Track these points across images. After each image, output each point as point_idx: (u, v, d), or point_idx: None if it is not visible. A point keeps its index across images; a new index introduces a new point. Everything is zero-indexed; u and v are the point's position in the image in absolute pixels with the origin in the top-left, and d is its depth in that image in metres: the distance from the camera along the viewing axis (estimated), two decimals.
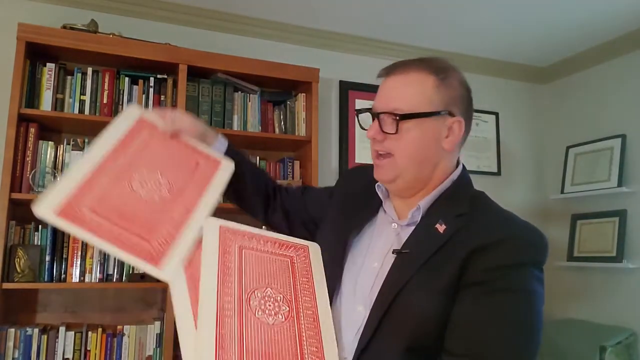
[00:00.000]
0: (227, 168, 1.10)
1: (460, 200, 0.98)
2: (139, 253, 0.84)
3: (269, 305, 0.88)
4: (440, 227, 0.94)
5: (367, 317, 0.93)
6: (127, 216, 0.88)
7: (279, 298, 0.90)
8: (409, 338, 0.89)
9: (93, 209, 0.86)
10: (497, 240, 0.88)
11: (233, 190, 1.19)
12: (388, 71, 1.01)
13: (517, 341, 0.83)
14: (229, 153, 1.18)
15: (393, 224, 1.03)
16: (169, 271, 0.85)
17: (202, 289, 0.84)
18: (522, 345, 0.83)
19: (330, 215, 1.15)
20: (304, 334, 0.87)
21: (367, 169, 1.10)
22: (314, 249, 1.04)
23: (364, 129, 1.03)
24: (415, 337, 0.89)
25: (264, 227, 1.24)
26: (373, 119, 0.99)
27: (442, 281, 0.88)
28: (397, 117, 0.95)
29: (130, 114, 1.05)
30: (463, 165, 1.06)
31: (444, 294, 0.88)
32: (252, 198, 1.25)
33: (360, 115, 1.08)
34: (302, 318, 0.89)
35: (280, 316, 0.87)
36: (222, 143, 1.19)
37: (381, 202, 1.07)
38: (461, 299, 0.87)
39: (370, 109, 1.02)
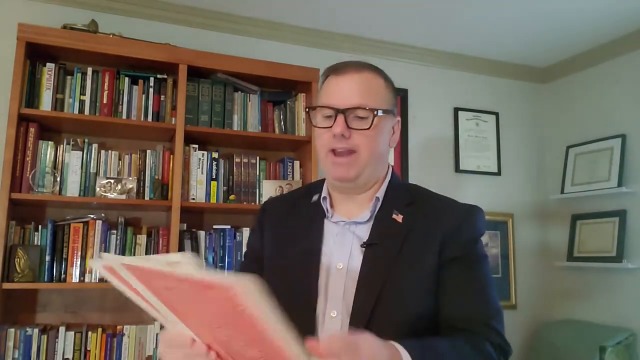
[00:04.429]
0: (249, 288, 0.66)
1: (401, 192, 1.06)
2: None
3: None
4: (398, 217, 1.01)
5: (347, 321, 0.92)
6: None
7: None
8: (408, 328, 0.91)
9: None
10: (460, 221, 1.00)
11: None
12: (339, 70, 1.01)
13: (493, 294, 0.99)
14: None
15: (347, 225, 1.04)
16: None
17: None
18: (495, 295, 1.00)
19: (276, 247, 1.09)
20: None
21: (284, 197, 1.22)
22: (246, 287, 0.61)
23: (318, 127, 1.01)
24: (415, 324, 0.92)
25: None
26: (336, 116, 0.97)
27: (424, 265, 0.95)
28: (376, 113, 0.98)
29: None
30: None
31: (429, 273, 0.95)
32: None
33: (310, 113, 1.07)
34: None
35: None
36: None
37: (324, 215, 1.06)
38: (447, 273, 0.96)
39: (321, 106, 1.01)
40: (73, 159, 2.26)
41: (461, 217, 1.01)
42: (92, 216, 2.29)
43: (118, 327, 2.24)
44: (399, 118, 1.07)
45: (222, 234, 2.47)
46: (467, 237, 0.99)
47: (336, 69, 1.02)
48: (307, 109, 1.07)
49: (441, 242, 0.97)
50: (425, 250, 0.96)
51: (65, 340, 2.14)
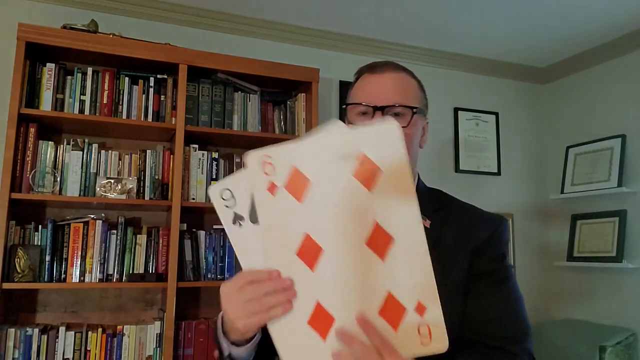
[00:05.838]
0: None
1: (428, 196, 1.03)
2: None
3: None
4: (425, 222, 0.96)
5: None
6: None
7: None
8: None
9: None
10: (490, 235, 0.99)
11: None
12: (376, 69, 1.02)
13: (523, 310, 0.99)
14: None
15: None
16: None
17: None
18: (525, 312, 0.99)
19: None
20: None
21: None
22: None
23: (353, 124, 0.99)
24: None
25: None
26: (373, 114, 0.96)
27: (453, 276, 0.93)
28: (415, 111, 0.98)
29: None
30: None
31: (457, 288, 0.94)
32: None
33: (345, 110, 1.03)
34: None
35: None
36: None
37: None
38: (476, 288, 0.95)
39: (359, 103, 0.99)
40: (73, 159, 2.26)
41: (492, 229, 0.99)
42: (92, 216, 2.29)
43: (118, 327, 2.24)
44: (428, 120, 1.08)
45: (222, 234, 2.47)
46: (497, 251, 0.98)
47: (373, 68, 1.03)
48: (343, 106, 1.04)
49: (471, 256, 0.95)
50: (454, 262, 0.95)
51: (65, 340, 2.14)
